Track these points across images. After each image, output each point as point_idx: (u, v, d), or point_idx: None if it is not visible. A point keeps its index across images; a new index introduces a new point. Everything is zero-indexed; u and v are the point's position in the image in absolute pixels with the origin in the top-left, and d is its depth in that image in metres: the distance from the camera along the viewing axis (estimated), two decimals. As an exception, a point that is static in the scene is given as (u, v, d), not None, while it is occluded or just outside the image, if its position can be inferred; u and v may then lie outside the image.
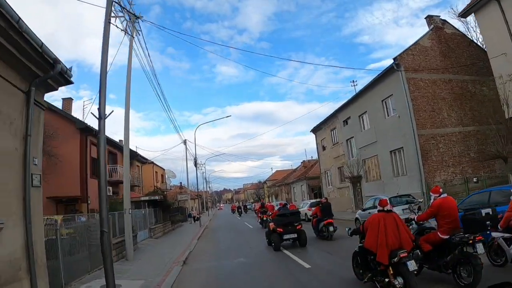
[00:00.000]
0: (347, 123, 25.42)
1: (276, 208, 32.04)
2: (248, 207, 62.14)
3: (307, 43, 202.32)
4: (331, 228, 11.89)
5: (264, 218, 20.13)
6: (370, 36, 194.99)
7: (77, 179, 19.26)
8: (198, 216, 27.10)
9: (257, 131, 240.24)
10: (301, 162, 56.61)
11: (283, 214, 11.58)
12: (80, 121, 20.06)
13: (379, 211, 5.19)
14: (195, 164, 28.36)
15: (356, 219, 15.42)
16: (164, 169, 43.45)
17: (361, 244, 5.58)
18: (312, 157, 50.53)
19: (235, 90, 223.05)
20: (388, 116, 20.26)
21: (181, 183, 61.52)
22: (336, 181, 27.70)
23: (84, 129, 19.36)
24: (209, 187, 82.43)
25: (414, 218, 6.00)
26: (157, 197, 18.71)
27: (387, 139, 20.11)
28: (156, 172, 39.74)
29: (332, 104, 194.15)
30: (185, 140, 30.71)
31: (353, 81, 28.79)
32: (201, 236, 18.41)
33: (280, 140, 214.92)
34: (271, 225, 11.63)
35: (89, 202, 19.03)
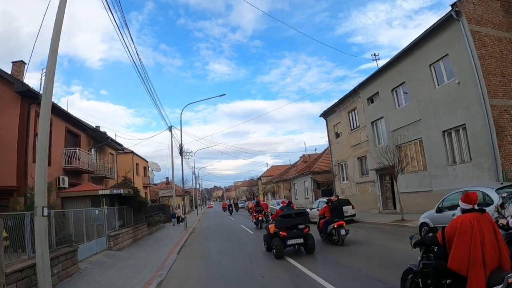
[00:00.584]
0: (372, 101, 20.25)
1: (272, 206, 27.47)
2: (240, 205, 57.63)
3: (300, 42, 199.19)
4: (342, 232, 10.04)
5: (260, 218, 18.21)
6: (363, 37, 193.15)
7: (13, 164, 13.60)
8: (183, 216, 21.61)
9: (249, 129, 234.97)
10: (300, 157, 51.57)
11: (287, 215, 9.56)
12: (21, 82, 14.26)
13: (465, 211, 3.55)
14: (181, 153, 22.89)
15: (423, 224, 10.17)
16: (147, 161, 37.80)
17: (428, 261, 3.90)
18: (315, 150, 45.35)
19: (227, 88, 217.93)
20: (439, 85, 15.15)
21: (167, 178, 55.90)
22: (354, 174, 22.54)
23: (26, 93, 13.72)
24: (199, 183, 76.80)
25: (509, 222, 4.27)
26: (121, 191, 13.16)
27: (438, 116, 14.99)
28: (137, 164, 34.04)
29: (323, 103, 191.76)
30: (171, 126, 25.16)
31: (375, 54, 23.00)
32: (184, 246, 13.00)
33: (271, 139, 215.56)
34: (272, 227, 9.71)
35: (28, 195, 13.33)
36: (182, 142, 22.72)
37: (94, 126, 23.73)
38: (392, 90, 18.17)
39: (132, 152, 31.69)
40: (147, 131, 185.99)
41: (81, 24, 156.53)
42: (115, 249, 11.90)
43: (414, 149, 16.85)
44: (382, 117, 19.11)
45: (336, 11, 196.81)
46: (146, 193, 37.75)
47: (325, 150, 35.45)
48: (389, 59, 18.36)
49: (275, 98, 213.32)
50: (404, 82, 17.20)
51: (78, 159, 17.27)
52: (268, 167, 64.11)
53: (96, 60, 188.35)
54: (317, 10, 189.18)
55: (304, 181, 34.52)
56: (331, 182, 29.11)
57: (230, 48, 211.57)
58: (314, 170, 31.75)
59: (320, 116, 26.84)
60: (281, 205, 15.06)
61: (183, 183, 23.97)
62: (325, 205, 11.83)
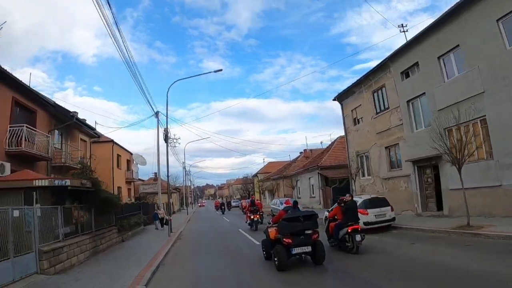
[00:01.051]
0: (408, 75, 16.19)
1: (274, 206, 23.55)
2: (234, 204, 53.84)
3: (295, 42, 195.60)
4: (357, 237, 8.41)
5: (255, 219, 16.49)
6: (358, 37, 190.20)
7: None
8: (167, 217, 17.26)
9: (242, 127, 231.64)
10: (301, 152, 47.55)
11: (293, 218, 7.80)
12: None
13: None
14: (166, 139, 18.52)
15: None
16: (131, 153, 33.36)
17: None
18: (321, 142, 41.24)
19: (220, 86, 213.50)
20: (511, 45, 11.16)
21: (155, 173, 51.37)
22: (380, 168, 18.48)
23: None
24: (190, 180, 72.38)
25: None
26: (66, 182, 8.84)
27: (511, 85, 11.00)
28: (118, 155, 29.62)
29: (316, 103, 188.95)
30: (157, 112, 20.75)
31: (402, 25, 18.69)
32: (161, 265, 8.75)
33: (264, 138, 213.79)
34: (272, 231, 8.23)
35: None
36: (168, 127, 18.40)
37: (70, 111, 19.45)
38: (439, 57, 14.11)
39: (111, 141, 27.25)
40: (139, 129, 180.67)
41: (76, 20, 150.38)
42: (52, 272, 7.59)
43: (472, 131, 12.79)
44: (423, 94, 15.05)
45: (332, 11, 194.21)
46: (129, 189, 33.37)
47: (333, 142, 31.45)
48: (433, 20, 14.29)
49: (268, 97, 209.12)
50: (458, 45, 13.15)
51: (29, 141, 12.89)
52: (265, 163, 59.84)
53: (90, 56, 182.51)
54: (312, 10, 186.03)
55: (310, 178, 30.40)
56: (344, 178, 25.08)
57: (225, 46, 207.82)
58: (322, 165, 27.64)
59: (334, 99, 22.71)
60: (285, 205, 11.80)
61: (167, 177, 19.53)
62: (336, 205, 10.11)
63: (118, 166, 29.38)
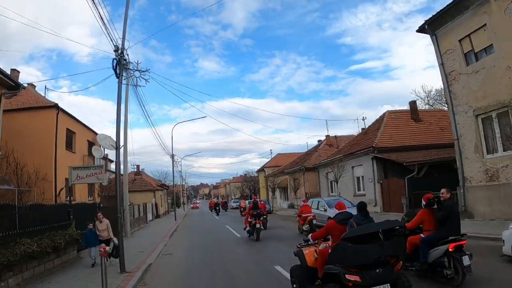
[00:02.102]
0: None
1: (317, 210, 14.96)
2: (234, 205, 45.67)
3: (290, 42, 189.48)
4: (465, 260, 4.94)
5: (257, 226, 13.23)
6: (353, 38, 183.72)
7: None
8: (114, 240, 7.59)
9: (237, 127, 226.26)
10: (319, 141, 38.32)
11: (364, 236, 3.94)
12: None
13: None
14: (117, 69, 8.79)
15: None
16: (95, 132, 23.66)
17: None
18: (364, 119, 31.69)
19: (216, 86, 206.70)
20: None
21: (138, 166, 41.70)
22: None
23: None
24: (181, 175, 62.67)
25: None
26: None
27: None
28: (71, 132, 19.98)
29: (312, 103, 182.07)
30: (121, 50, 10.76)
31: None
32: None
33: (259, 138, 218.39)
34: (311, 255, 5.02)
35: None
36: (125, 39, 8.89)
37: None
38: None
39: (55, 106, 17.60)
40: (134, 127, 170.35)
41: (71, 18, 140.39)
42: None
43: None
44: None
45: (327, 12, 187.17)
46: (91, 184, 23.72)
47: (381, 118, 22.16)
48: None
49: (263, 97, 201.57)
50: None
51: None
52: (273, 156, 50.17)
53: (85, 55, 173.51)
54: (308, 10, 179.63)
55: (353, 167, 21.02)
56: (424, 163, 15.84)
57: (221, 46, 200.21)
58: (379, 145, 18.33)
59: (419, 30, 13.30)
60: (335, 210, 5.39)
61: (116, 149, 9.63)
62: (423, 208, 5.73)
63: (70, 148, 19.75)
